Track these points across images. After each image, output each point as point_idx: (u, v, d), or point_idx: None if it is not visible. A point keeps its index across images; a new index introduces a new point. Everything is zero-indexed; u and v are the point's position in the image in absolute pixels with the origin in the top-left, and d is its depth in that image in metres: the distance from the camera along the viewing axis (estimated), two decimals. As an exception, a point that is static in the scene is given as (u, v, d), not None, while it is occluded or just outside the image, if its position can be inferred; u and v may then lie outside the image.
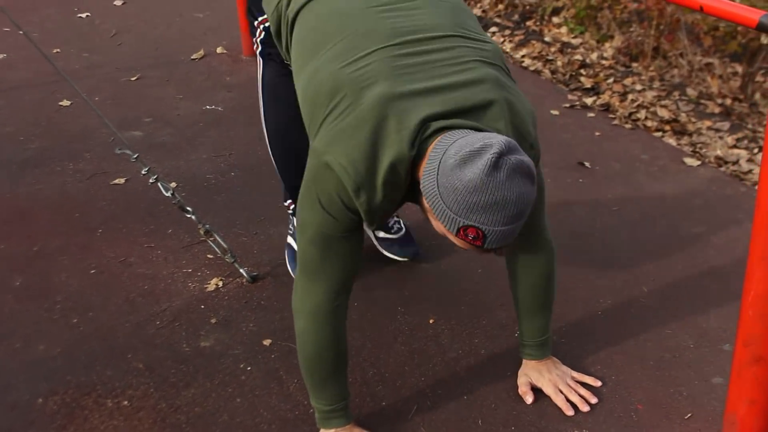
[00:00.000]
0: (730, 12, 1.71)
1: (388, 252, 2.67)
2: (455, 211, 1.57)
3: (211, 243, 2.71)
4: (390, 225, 2.66)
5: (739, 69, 4.27)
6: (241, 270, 2.65)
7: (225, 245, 2.66)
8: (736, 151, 3.56)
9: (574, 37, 4.77)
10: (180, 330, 2.44)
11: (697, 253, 2.78)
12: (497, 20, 5.13)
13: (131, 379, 2.25)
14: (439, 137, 1.65)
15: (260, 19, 2.33)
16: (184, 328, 2.45)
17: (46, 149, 3.49)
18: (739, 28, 4.04)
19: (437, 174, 1.59)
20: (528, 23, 5.03)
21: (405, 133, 1.65)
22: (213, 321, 2.48)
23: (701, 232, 2.89)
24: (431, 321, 2.46)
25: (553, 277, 2.12)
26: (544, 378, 2.15)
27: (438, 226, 1.66)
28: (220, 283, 2.64)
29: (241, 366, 2.30)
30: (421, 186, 1.64)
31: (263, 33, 2.36)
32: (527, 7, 5.22)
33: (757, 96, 4.08)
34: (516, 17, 5.13)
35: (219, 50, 4.54)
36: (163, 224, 2.95)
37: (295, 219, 2.43)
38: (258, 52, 2.43)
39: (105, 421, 2.12)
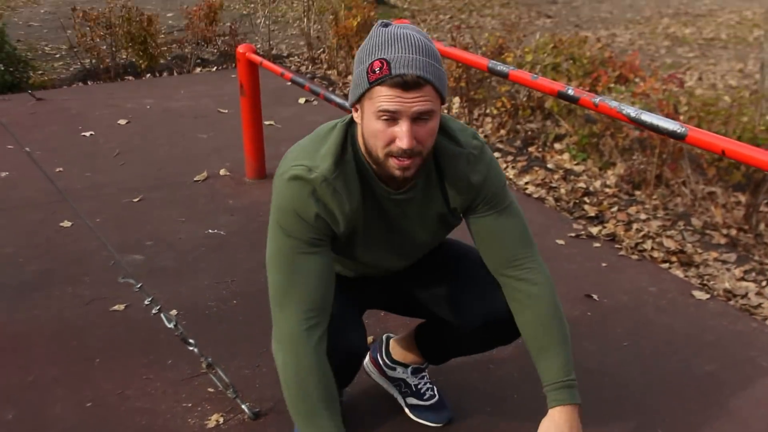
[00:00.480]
0: (749, 156, 1.69)
1: (421, 419, 2.52)
2: (361, 63, 1.74)
3: (212, 377, 2.63)
4: (423, 391, 2.53)
5: (743, 198, 4.27)
6: (243, 406, 2.56)
7: (227, 380, 2.58)
8: (744, 284, 3.51)
9: (577, 164, 4.79)
10: (178, 471, 2.33)
11: (712, 393, 2.70)
12: (500, 146, 5.17)
13: None
14: None
15: None
16: (183, 469, 2.34)
17: (45, 272, 3.44)
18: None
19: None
20: (530, 149, 5.07)
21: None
22: (216, 461, 2.38)
23: (714, 370, 2.82)
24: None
25: (559, 306, 2.03)
26: None
27: (368, 117, 1.76)
28: (221, 420, 2.54)
29: None
30: (351, 107, 1.84)
31: None
32: (529, 133, 5.26)
33: (762, 227, 4.07)
34: (518, 143, 5.17)
35: (222, 172, 4.54)
36: (163, 354, 2.87)
37: None
38: None
39: None
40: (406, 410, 2.54)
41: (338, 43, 6.94)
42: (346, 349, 2.02)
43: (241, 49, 4.14)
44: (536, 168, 4.74)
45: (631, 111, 2.03)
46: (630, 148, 4.73)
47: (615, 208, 4.21)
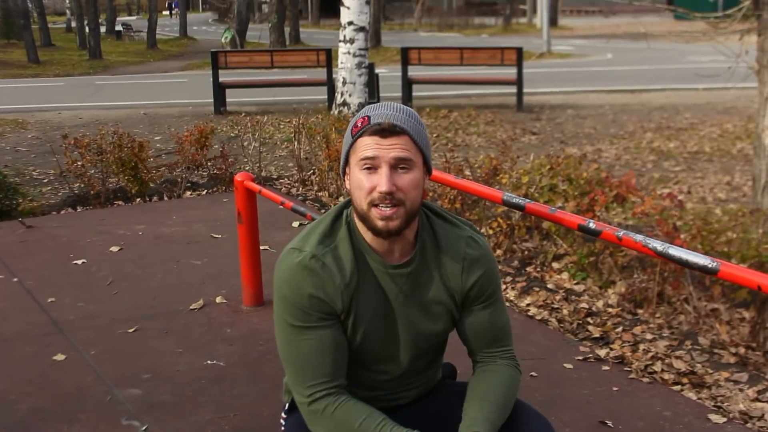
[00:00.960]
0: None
1: None
2: (349, 129, 1.91)
3: None
4: None
5: (746, 314, 4.23)
6: None
7: None
8: (759, 404, 3.43)
9: (577, 284, 4.75)
10: None
11: None
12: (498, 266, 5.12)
13: None
14: None
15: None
16: None
17: (39, 410, 3.31)
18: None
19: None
20: (529, 269, 5.03)
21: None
22: None
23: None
24: None
25: (514, 390, 2.02)
26: None
27: (354, 175, 1.88)
28: None
29: None
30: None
31: None
32: (526, 253, 5.24)
33: (770, 344, 4.01)
34: (516, 263, 5.13)
35: (218, 300, 4.47)
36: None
37: None
38: None
39: None
40: None
41: (329, 165, 6.97)
42: None
43: (239, 177, 4.13)
44: (536, 288, 4.70)
45: (658, 245, 1.99)
46: (629, 266, 4.70)
47: (620, 328, 4.15)
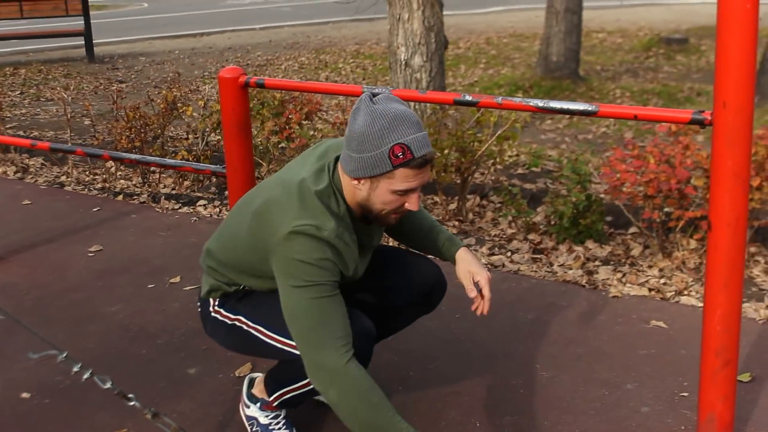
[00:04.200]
0: (660, 116, 2.36)
1: None
2: (377, 146, 2.03)
3: (160, 425, 2.63)
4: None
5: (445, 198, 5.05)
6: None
7: (175, 424, 2.61)
8: (494, 258, 4.25)
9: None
10: None
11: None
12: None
13: None
14: (338, 162, 2.22)
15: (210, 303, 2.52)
16: None
17: None
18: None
19: (347, 152, 2.11)
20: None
21: (320, 175, 2.22)
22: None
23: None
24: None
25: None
26: (481, 272, 2.38)
27: (382, 191, 2.11)
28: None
29: None
30: (353, 180, 2.13)
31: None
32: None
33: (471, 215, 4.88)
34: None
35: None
36: (90, 420, 2.76)
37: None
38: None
39: None
40: None
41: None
42: (367, 331, 2.28)
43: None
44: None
45: (539, 102, 2.57)
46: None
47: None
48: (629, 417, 2.75)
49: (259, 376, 2.65)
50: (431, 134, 4.67)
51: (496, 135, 4.68)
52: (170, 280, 3.95)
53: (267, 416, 2.59)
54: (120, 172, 6.13)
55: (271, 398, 2.50)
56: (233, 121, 3.15)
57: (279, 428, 2.60)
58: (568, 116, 8.51)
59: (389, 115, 2.04)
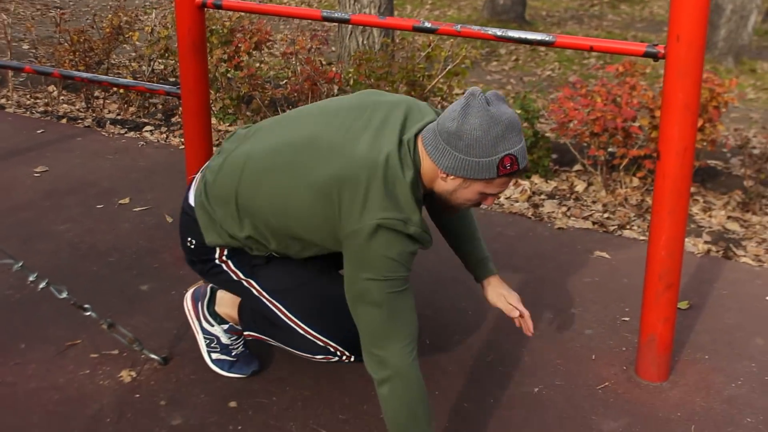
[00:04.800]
0: (614, 48, 2.42)
1: (226, 371, 2.63)
2: (487, 154, 1.97)
3: (116, 335, 2.65)
4: (231, 348, 2.64)
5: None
6: (151, 355, 2.65)
7: (130, 335, 2.64)
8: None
9: (229, 125, 5.19)
10: (138, 420, 2.40)
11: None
12: (146, 121, 5.33)
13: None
14: (418, 141, 2.09)
15: (218, 252, 2.35)
16: (141, 417, 2.41)
17: None
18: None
19: (448, 148, 1.99)
20: (174, 119, 5.33)
21: (404, 158, 2.05)
22: (162, 402, 2.48)
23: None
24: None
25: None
26: (513, 298, 2.42)
27: (472, 191, 2.05)
28: (133, 374, 2.61)
29: (231, 428, 2.37)
30: (442, 173, 2.03)
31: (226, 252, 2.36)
32: (168, 105, 5.50)
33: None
34: (159, 116, 5.38)
35: None
36: (43, 330, 2.76)
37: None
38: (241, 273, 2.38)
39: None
40: (209, 363, 2.63)
41: None
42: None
43: None
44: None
45: (497, 31, 2.60)
46: (275, 103, 5.29)
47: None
48: (573, 339, 2.87)
49: (227, 298, 2.57)
50: (382, 68, 4.69)
51: (446, 70, 4.71)
52: (119, 201, 3.93)
53: (230, 337, 2.61)
54: (63, 97, 6.02)
55: (245, 333, 2.53)
56: (189, 43, 3.12)
57: (238, 347, 2.63)
58: (514, 59, 8.58)
59: (504, 122, 1.98)
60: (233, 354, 2.62)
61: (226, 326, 2.58)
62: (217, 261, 2.36)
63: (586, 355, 2.78)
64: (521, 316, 2.40)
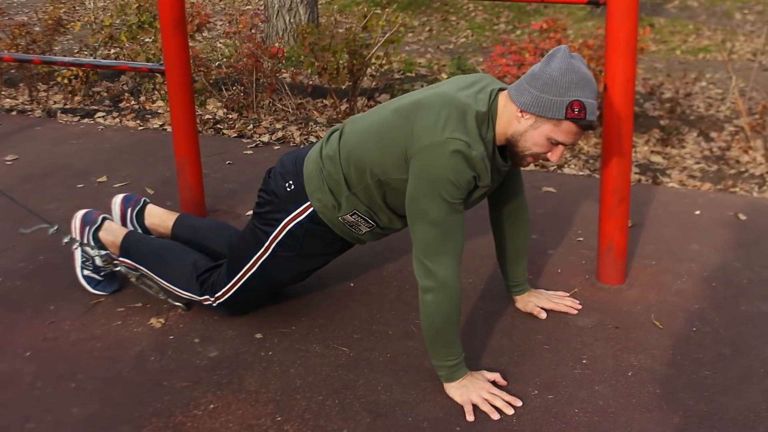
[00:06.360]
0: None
1: (93, 288, 3.04)
2: (560, 94, 2.18)
3: (143, 287, 2.94)
4: (100, 269, 3.04)
5: (328, 102, 5.40)
6: (176, 303, 2.95)
7: (156, 285, 2.93)
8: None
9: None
10: (180, 355, 2.70)
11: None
12: (97, 107, 5.50)
13: (196, 398, 2.51)
14: (499, 94, 2.37)
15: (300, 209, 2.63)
16: (181, 353, 2.71)
17: None
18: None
19: (528, 87, 2.24)
20: (132, 104, 5.54)
21: (480, 99, 2.34)
22: (196, 340, 2.79)
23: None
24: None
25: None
26: (542, 300, 2.84)
27: (540, 133, 2.25)
28: (162, 320, 2.90)
29: (263, 354, 2.70)
30: (518, 111, 2.26)
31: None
32: (122, 91, 5.69)
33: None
34: (108, 102, 5.57)
35: None
36: (66, 292, 3.02)
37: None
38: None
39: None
40: (80, 278, 3.05)
41: None
42: None
43: None
44: (147, 116, 5.30)
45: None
46: (220, 82, 5.56)
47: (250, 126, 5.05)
48: (538, 259, 3.28)
49: (115, 227, 3.03)
50: (324, 39, 5.02)
51: (385, 37, 5.07)
52: (98, 180, 4.16)
53: (103, 261, 2.98)
54: (3, 92, 6.13)
55: (121, 258, 2.96)
56: (171, 19, 3.39)
57: (107, 270, 3.04)
58: (428, 29, 8.98)
59: (581, 73, 2.20)
60: (101, 274, 3.04)
61: (103, 252, 2.97)
62: (285, 218, 2.64)
63: (553, 270, 3.20)
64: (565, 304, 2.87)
